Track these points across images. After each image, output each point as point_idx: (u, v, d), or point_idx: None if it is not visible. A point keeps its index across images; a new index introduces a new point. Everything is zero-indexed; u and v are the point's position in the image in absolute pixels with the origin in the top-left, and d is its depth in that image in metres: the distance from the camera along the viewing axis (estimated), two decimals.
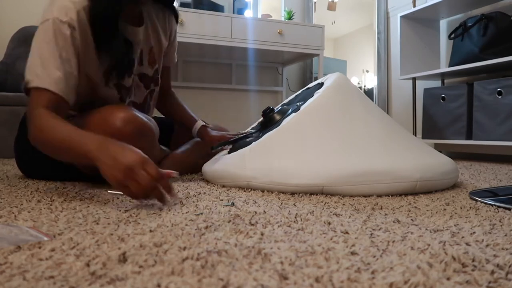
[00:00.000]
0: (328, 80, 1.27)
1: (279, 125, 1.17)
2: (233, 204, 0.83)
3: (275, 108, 1.31)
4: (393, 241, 0.56)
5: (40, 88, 0.97)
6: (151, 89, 1.31)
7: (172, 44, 1.37)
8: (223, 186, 1.12)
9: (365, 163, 1.00)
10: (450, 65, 2.39)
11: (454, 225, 0.67)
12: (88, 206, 0.80)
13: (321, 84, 1.28)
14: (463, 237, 0.59)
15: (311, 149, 1.05)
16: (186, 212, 0.75)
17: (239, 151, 1.16)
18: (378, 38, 3.16)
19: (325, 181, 0.97)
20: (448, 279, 0.42)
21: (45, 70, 0.97)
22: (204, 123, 1.39)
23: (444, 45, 2.72)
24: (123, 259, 0.47)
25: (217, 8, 2.81)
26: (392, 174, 0.98)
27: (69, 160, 1.01)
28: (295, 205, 0.84)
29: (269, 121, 1.25)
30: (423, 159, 1.07)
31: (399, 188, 0.99)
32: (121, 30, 1.09)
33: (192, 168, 1.42)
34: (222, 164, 1.16)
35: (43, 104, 0.95)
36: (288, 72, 3.39)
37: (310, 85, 1.41)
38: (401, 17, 2.65)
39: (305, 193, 0.99)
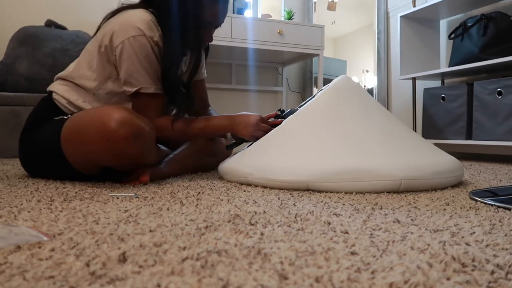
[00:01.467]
0: (332, 82, 1.33)
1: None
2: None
3: (285, 110, 1.40)
4: (393, 241, 0.56)
5: (156, 93, 1.22)
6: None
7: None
8: (224, 186, 1.12)
9: (349, 161, 1.04)
10: (450, 65, 2.39)
11: (454, 225, 0.67)
12: (88, 206, 0.80)
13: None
14: (463, 237, 0.59)
15: (299, 147, 1.13)
16: (186, 212, 0.75)
17: (242, 150, 1.31)
18: (378, 38, 3.16)
19: (309, 178, 1.03)
20: (448, 279, 0.42)
21: (153, 79, 1.20)
22: None
23: (444, 45, 2.72)
24: (123, 259, 0.47)
25: None
26: (375, 172, 1.01)
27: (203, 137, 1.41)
28: (295, 205, 0.84)
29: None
30: (410, 158, 1.08)
31: (383, 186, 1.01)
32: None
33: (192, 168, 1.42)
34: (230, 161, 1.28)
35: (159, 108, 1.24)
36: (288, 72, 3.39)
37: (323, 87, 1.43)
38: (401, 17, 2.65)
39: (293, 189, 1.06)
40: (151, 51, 1.18)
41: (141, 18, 1.17)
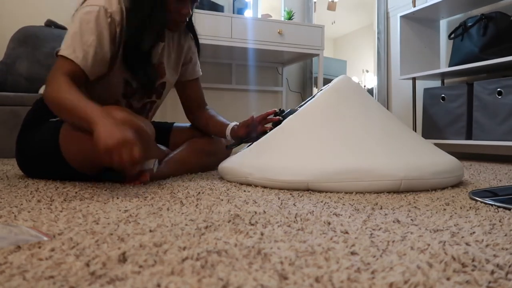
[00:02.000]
0: (332, 82, 1.32)
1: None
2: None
3: (285, 110, 1.39)
4: (393, 241, 0.56)
5: (66, 57, 1.09)
6: (152, 99, 1.35)
7: (190, 60, 1.45)
8: (224, 186, 1.12)
9: (349, 161, 1.04)
10: (450, 65, 2.39)
11: (454, 225, 0.67)
12: (88, 206, 0.80)
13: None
14: (463, 237, 0.59)
15: (299, 147, 1.13)
16: (186, 212, 0.75)
17: (242, 150, 1.30)
18: (378, 38, 3.16)
19: (309, 178, 1.03)
20: (448, 279, 0.42)
21: (79, 45, 1.09)
22: (235, 125, 1.41)
23: (444, 45, 2.72)
24: (123, 259, 0.47)
25: (217, 8, 2.81)
26: (375, 172, 1.01)
27: (69, 120, 1.11)
28: (295, 205, 0.84)
29: (277, 122, 1.33)
30: (410, 158, 1.08)
31: (382, 186, 1.01)
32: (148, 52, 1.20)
33: (192, 168, 1.42)
34: (229, 162, 1.27)
35: (64, 71, 1.07)
36: (288, 72, 3.39)
37: (323, 87, 1.43)
38: (401, 17, 2.64)
39: (293, 189, 1.06)
40: (95, 21, 1.10)
41: None
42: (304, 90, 3.42)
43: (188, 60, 1.44)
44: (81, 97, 1.03)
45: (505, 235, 0.61)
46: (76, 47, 1.10)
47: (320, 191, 1.04)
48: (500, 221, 0.71)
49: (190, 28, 1.39)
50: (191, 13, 1.25)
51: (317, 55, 2.85)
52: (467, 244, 0.55)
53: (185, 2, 1.20)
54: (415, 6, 2.62)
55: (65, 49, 1.10)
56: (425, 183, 1.05)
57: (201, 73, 1.51)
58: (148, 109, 1.37)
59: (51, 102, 1.08)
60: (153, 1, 1.15)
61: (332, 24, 3.83)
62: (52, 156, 1.12)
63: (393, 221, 0.70)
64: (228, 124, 1.42)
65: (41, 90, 1.24)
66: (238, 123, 1.42)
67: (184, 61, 1.43)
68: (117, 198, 0.90)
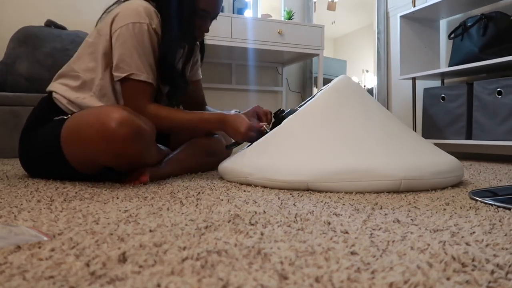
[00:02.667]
0: (332, 82, 1.33)
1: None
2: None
3: (285, 110, 1.41)
4: (393, 241, 0.56)
5: (146, 82, 1.21)
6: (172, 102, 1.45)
7: (196, 62, 1.54)
8: (224, 186, 1.12)
9: (348, 161, 1.04)
10: (450, 65, 2.39)
11: (454, 225, 0.67)
12: (88, 206, 0.80)
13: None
14: (463, 237, 0.59)
15: (299, 147, 1.13)
16: (186, 212, 0.75)
17: (242, 150, 1.30)
18: (378, 38, 3.16)
19: (309, 178, 1.03)
20: (448, 279, 0.42)
21: (146, 67, 1.20)
22: (235, 111, 1.48)
23: (444, 45, 2.72)
24: (123, 259, 0.47)
25: None
26: (375, 172, 1.01)
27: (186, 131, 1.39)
28: (295, 205, 0.84)
29: (277, 122, 1.34)
30: (410, 158, 1.08)
31: (382, 186, 1.01)
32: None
33: (192, 168, 1.42)
34: (229, 161, 1.28)
35: (148, 95, 1.23)
36: (288, 72, 3.39)
37: (323, 87, 1.43)
38: (401, 17, 2.64)
39: (293, 189, 1.06)
40: (148, 39, 1.19)
41: (141, 5, 1.20)
42: (304, 90, 3.42)
43: (194, 62, 1.52)
44: (191, 115, 1.29)
45: (505, 235, 0.61)
46: (145, 69, 1.20)
47: (320, 191, 1.04)
48: (500, 221, 0.71)
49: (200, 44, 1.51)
50: (208, 30, 1.36)
51: (317, 55, 2.85)
52: (467, 244, 0.55)
53: (207, 20, 1.31)
54: (415, 6, 2.62)
55: (140, 74, 1.19)
56: (425, 183, 1.05)
57: (201, 76, 1.60)
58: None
59: (161, 126, 1.23)
60: (183, 20, 1.26)
61: (332, 24, 3.83)
62: (54, 156, 1.12)
63: (393, 221, 0.70)
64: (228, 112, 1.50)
65: (51, 88, 1.28)
66: (238, 110, 1.50)
67: (192, 62, 1.50)
68: (117, 198, 0.90)
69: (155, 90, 1.28)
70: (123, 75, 1.18)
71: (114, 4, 1.29)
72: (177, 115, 1.26)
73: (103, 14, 1.29)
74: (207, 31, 1.35)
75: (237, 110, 1.52)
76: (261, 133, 1.32)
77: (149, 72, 1.21)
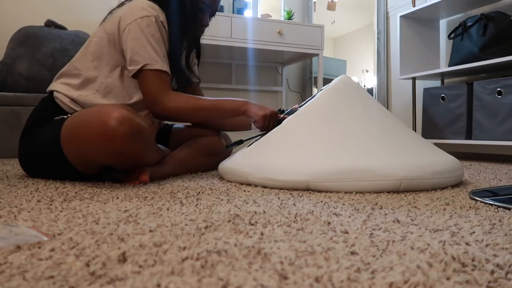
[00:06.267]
0: (332, 82, 1.33)
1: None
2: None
3: (285, 110, 1.42)
4: (393, 241, 0.56)
5: (161, 70, 1.20)
6: None
7: (194, 64, 1.54)
8: (224, 186, 1.12)
9: (348, 161, 1.04)
10: (449, 65, 2.39)
11: (454, 225, 0.67)
12: (88, 206, 0.80)
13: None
14: (463, 237, 0.59)
15: (299, 147, 1.13)
16: (186, 212, 0.75)
17: (242, 150, 1.30)
18: (378, 38, 3.16)
19: (309, 178, 1.03)
20: (448, 279, 0.42)
21: (160, 57, 1.20)
22: None
23: (444, 45, 2.72)
24: (123, 259, 0.47)
25: None
26: (375, 172, 1.01)
27: (206, 118, 1.43)
28: (295, 205, 0.84)
29: (277, 122, 1.33)
30: (410, 158, 1.08)
31: (382, 186, 1.01)
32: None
33: (192, 168, 1.42)
34: (229, 161, 1.28)
35: (167, 84, 1.23)
36: (287, 72, 3.39)
37: (323, 87, 1.43)
38: (401, 17, 2.64)
39: (293, 189, 1.06)
40: (158, 30, 1.21)
41: (145, 2, 1.22)
42: (304, 90, 3.42)
43: (193, 64, 1.52)
44: (213, 99, 1.27)
45: (505, 234, 0.61)
46: (160, 58, 1.20)
47: (320, 191, 1.04)
48: (500, 221, 0.71)
49: (196, 42, 1.50)
50: (208, 25, 1.38)
51: (317, 55, 2.85)
52: (467, 244, 0.55)
53: (207, 14, 1.34)
54: (415, 6, 2.62)
55: (155, 63, 1.19)
56: (425, 183, 1.05)
57: (199, 80, 1.60)
58: None
59: (185, 113, 1.25)
60: (187, 15, 1.28)
61: (332, 24, 3.83)
62: (54, 156, 1.12)
63: (393, 221, 0.70)
64: None
65: (52, 87, 1.29)
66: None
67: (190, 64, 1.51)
68: (117, 198, 0.90)
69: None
70: (138, 67, 1.18)
71: (118, 6, 1.30)
72: (200, 99, 1.26)
73: (107, 15, 1.30)
74: (207, 25, 1.37)
75: None
76: (279, 122, 1.32)
77: (164, 61, 1.22)
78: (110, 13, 1.30)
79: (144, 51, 1.18)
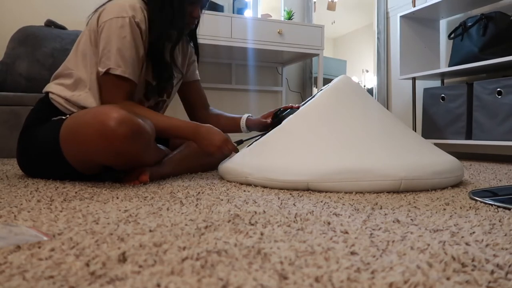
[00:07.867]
0: (332, 82, 1.33)
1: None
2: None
3: (288, 110, 1.42)
4: (393, 241, 0.56)
5: (123, 76, 1.18)
6: (163, 99, 1.42)
7: (193, 62, 1.53)
8: (224, 186, 1.12)
9: (348, 161, 1.04)
10: (450, 65, 2.39)
11: (454, 225, 0.67)
12: (88, 206, 0.80)
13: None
14: (462, 237, 0.59)
15: (299, 147, 1.13)
16: (186, 212, 0.75)
17: (242, 150, 1.30)
18: (378, 38, 3.16)
19: (309, 178, 1.03)
20: (448, 279, 0.42)
21: (125, 61, 1.18)
22: (248, 116, 1.51)
23: (444, 45, 2.72)
24: (122, 259, 0.47)
25: (217, 8, 2.81)
26: (375, 172, 1.01)
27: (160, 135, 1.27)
28: (294, 205, 0.84)
29: (277, 122, 1.34)
30: (410, 158, 1.08)
31: (383, 186, 1.01)
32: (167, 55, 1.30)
33: (192, 168, 1.42)
34: (229, 162, 1.27)
35: (127, 91, 1.21)
36: (287, 72, 3.39)
37: (323, 87, 1.43)
38: (401, 17, 2.65)
39: (293, 189, 1.06)
40: (131, 32, 1.18)
41: (127, 1, 1.20)
42: (304, 90, 3.42)
43: (191, 62, 1.52)
44: (166, 119, 1.22)
45: (505, 235, 0.61)
46: (124, 63, 1.18)
47: (320, 191, 1.04)
48: (500, 221, 0.71)
49: (193, 38, 1.48)
50: (200, 17, 1.34)
51: (317, 55, 2.85)
52: (467, 244, 0.55)
53: (196, 6, 1.29)
54: (415, 6, 2.62)
55: (116, 68, 1.17)
56: (425, 183, 1.05)
57: (199, 77, 1.59)
58: (160, 107, 1.43)
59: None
60: (173, 8, 1.24)
61: (332, 24, 3.83)
62: (54, 156, 1.12)
63: (393, 221, 0.70)
64: (241, 117, 1.51)
65: (47, 89, 1.28)
66: (251, 115, 1.51)
67: (187, 62, 1.50)
68: (117, 198, 0.90)
69: (140, 85, 1.27)
70: (103, 70, 1.18)
71: (104, 3, 1.29)
72: (150, 116, 1.19)
73: (92, 13, 1.30)
74: (198, 17, 1.33)
75: (250, 115, 1.53)
76: (279, 122, 1.31)
77: (128, 66, 1.19)
78: (95, 11, 1.29)
79: (110, 53, 1.17)
